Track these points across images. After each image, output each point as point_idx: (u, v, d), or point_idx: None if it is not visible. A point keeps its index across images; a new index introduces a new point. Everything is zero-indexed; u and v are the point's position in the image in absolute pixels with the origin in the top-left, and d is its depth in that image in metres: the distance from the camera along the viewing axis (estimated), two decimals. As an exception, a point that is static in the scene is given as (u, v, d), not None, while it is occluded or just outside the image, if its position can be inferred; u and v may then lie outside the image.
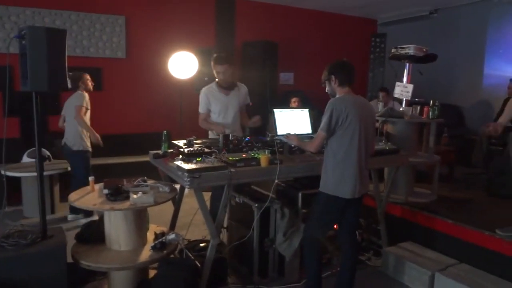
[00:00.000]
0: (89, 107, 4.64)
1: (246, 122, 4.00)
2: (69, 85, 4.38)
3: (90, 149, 4.71)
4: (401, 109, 4.57)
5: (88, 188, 3.17)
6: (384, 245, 3.80)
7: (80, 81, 4.63)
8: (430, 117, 4.31)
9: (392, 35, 8.48)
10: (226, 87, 3.83)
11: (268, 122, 5.81)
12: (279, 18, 7.74)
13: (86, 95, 4.63)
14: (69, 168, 4.87)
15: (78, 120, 4.51)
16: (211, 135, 3.93)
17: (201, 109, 3.87)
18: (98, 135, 4.67)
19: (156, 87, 6.52)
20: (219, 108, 3.82)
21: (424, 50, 4.50)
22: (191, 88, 6.25)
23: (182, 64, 5.93)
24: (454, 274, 3.21)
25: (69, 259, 2.83)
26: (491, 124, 3.46)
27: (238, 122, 3.92)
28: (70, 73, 4.49)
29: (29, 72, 2.53)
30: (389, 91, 5.97)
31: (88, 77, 4.73)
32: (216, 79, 3.84)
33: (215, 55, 3.83)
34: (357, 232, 3.33)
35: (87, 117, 4.65)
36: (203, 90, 3.88)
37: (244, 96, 3.96)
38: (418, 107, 4.43)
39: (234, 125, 3.85)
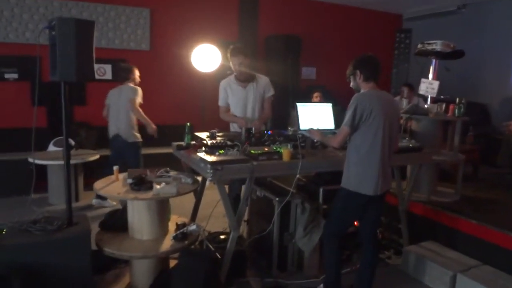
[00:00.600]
0: (141, 101, 4.66)
1: (264, 115, 3.88)
2: (108, 76, 4.46)
3: (141, 139, 4.79)
4: (426, 106, 4.50)
5: (113, 177, 3.23)
6: (405, 243, 3.76)
7: (130, 73, 4.69)
8: (456, 115, 4.23)
9: (418, 30, 8.32)
10: (244, 79, 3.78)
11: (290, 116, 5.79)
12: (303, 12, 7.68)
13: (139, 88, 4.66)
14: (93, 158, 4.99)
15: (136, 113, 4.59)
16: (232, 128, 3.92)
17: (220, 102, 3.88)
18: (155, 126, 4.71)
19: (179, 79, 6.57)
20: (236, 101, 3.80)
21: (452, 46, 4.41)
22: (214, 81, 6.24)
23: (205, 57, 5.96)
24: (476, 276, 3.15)
25: (93, 246, 2.89)
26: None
27: (258, 115, 3.85)
28: (121, 64, 4.64)
29: (58, 63, 2.58)
30: (413, 86, 5.87)
31: (137, 70, 4.78)
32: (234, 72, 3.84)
33: (231, 47, 3.80)
34: (378, 230, 3.31)
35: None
36: (222, 83, 3.89)
37: (264, 88, 3.83)
38: (444, 105, 4.34)
39: (253, 118, 3.80)
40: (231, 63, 3.77)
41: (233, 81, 3.83)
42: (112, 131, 4.76)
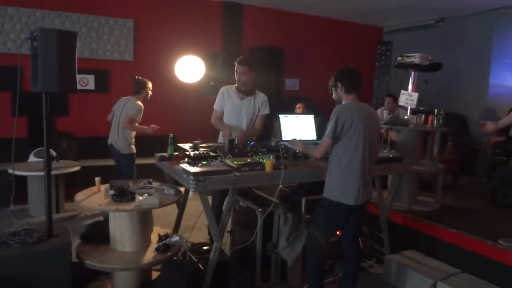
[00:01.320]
0: (139, 120, 4.72)
1: (252, 131, 3.90)
2: (134, 89, 4.78)
3: (135, 151, 4.83)
4: (405, 117, 4.59)
5: (94, 188, 3.21)
6: (387, 252, 3.81)
7: (141, 88, 4.77)
8: (435, 125, 4.33)
9: (398, 43, 8.51)
10: (243, 91, 3.81)
11: (273, 127, 5.83)
12: (286, 24, 7.78)
13: (142, 107, 4.72)
14: (74, 169, 5.00)
15: (125, 128, 4.64)
16: (221, 138, 3.91)
17: (215, 105, 3.90)
18: (150, 126, 4.73)
19: (162, 90, 6.53)
20: (231, 110, 3.83)
21: (430, 59, 4.53)
22: (197, 93, 6.29)
23: (189, 68, 5.97)
24: (456, 283, 3.21)
25: (74, 258, 2.85)
26: (488, 122, 3.47)
27: (247, 129, 3.86)
28: (138, 77, 4.79)
29: (40, 73, 2.56)
30: (396, 97, 5.99)
31: (150, 86, 4.86)
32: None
33: (241, 57, 3.86)
34: (359, 239, 3.35)
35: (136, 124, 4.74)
36: (222, 88, 3.92)
37: (260, 105, 3.87)
38: (423, 116, 4.45)
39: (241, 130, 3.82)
40: (235, 71, 3.77)
41: (233, 89, 3.86)
42: (109, 139, 4.82)
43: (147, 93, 4.83)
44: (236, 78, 3.78)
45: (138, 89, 4.78)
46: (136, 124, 4.70)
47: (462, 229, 3.64)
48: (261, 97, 3.91)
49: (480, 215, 4.31)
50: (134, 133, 4.80)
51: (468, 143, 6.59)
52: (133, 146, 4.80)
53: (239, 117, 3.83)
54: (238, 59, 3.79)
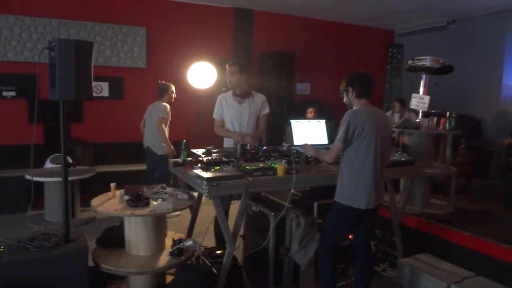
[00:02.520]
0: (170, 118, 5.13)
1: (257, 133, 3.91)
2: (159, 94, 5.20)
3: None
4: (417, 120, 4.58)
5: (110, 194, 3.27)
6: (400, 256, 3.80)
7: (164, 92, 5.17)
8: (447, 128, 4.31)
9: (409, 45, 8.48)
10: (240, 94, 3.82)
11: (285, 132, 5.86)
12: (296, 29, 7.82)
13: (168, 106, 5.11)
14: (89, 175, 5.13)
15: (159, 129, 5.00)
16: (225, 144, 3.93)
17: (215, 115, 3.93)
18: (172, 148, 5.03)
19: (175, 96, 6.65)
20: (231, 116, 3.83)
21: (441, 61, 4.52)
22: (209, 98, 6.34)
23: (201, 74, 6.05)
24: (470, 287, 3.19)
25: (90, 263, 2.92)
26: None
27: (252, 132, 3.87)
28: (161, 82, 5.19)
29: (58, 82, 2.64)
30: (404, 101, 5.97)
31: (174, 89, 5.25)
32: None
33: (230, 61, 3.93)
34: (372, 243, 3.35)
35: (167, 127, 5.13)
36: (219, 97, 3.94)
37: (260, 105, 3.88)
38: (435, 119, 4.43)
39: (247, 134, 3.80)
40: (226, 75, 3.84)
41: (230, 96, 3.88)
42: (145, 143, 5.23)
43: (171, 96, 5.20)
44: (228, 82, 3.83)
45: (161, 93, 5.19)
46: (165, 129, 5.03)
47: (475, 232, 3.63)
48: (259, 97, 3.91)
49: (494, 217, 4.28)
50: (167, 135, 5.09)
51: (482, 145, 6.53)
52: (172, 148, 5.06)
53: (241, 121, 3.82)
54: (228, 64, 3.86)
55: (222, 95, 3.94)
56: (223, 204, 3.68)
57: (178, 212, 4.42)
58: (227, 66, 3.84)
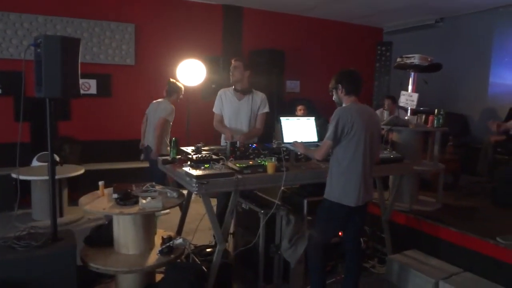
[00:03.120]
0: (171, 120, 4.97)
1: (253, 131, 3.90)
2: (165, 93, 5.07)
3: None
4: (406, 117, 4.62)
5: (98, 192, 3.24)
6: (389, 252, 3.83)
7: (173, 92, 5.06)
8: (435, 125, 4.35)
9: (398, 43, 8.53)
10: (240, 91, 3.83)
11: (275, 130, 5.87)
12: (286, 26, 7.81)
13: (173, 108, 4.97)
14: (77, 173, 5.04)
15: (157, 129, 4.84)
16: (223, 141, 3.90)
17: (215, 109, 3.93)
18: (158, 154, 4.73)
19: (164, 94, 6.60)
20: (230, 112, 3.85)
21: (429, 59, 4.55)
22: (199, 96, 6.33)
23: (190, 72, 6.01)
24: (458, 283, 3.23)
25: (78, 262, 2.88)
26: (497, 122, 3.45)
27: (249, 129, 3.87)
28: (171, 80, 5.09)
29: (44, 79, 2.60)
30: (395, 98, 6.01)
31: (182, 91, 5.14)
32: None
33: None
34: (361, 240, 3.37)
35: (168, 129, 4.99)
36: (220, 91, 3.95)
37: (259, 104, 3.88)
38: (423, 116, 4.47)
39: (243, 131, 3.82)
40: (230, 69, 3.84)
41: (231, 91, 3.89)
42: (145, 141, 5.07)
43: (178, 97, 5.10)
44: (230, 76, 3.82)
45: (170, 92, 5.06)
46: (161, 130, 4.87)
47: (463, 228, 3.67)
48: (259, 96, 3.92)
49: (481, 214, 4.33)
50: (167, 139, 4.96)
51: (469, 142, 6.60)
52: (167, 149, 4.89)
53: (239, 117, 3.84)
54: (236, 56, 3.86)
55: (223, 90, 3.95)
56: (221, 201, 3.69)
57: (167, 210, 4.39)
58: (232, 60, 3.85)
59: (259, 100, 3.89)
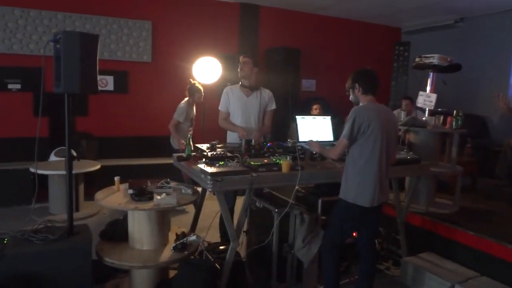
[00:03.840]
0: (182, 120, 5.20)
1: (263, 128, 3.90)
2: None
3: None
4: (424, 118, 4.55)
5: (114, 188, 3.27)
6: (404, 254, 3.78)
7: (190, 94, 5.30)
8: (453, 127, 4.28)
9: (416, 43, 8.41)
10: (248, 87, 3.82)
11: (290, 128, 5.85)
12: (302, 25, 7.78)
13: (184, 108, 5.21)
14: (94, 169, 5.13)
15: (169, 128, 5.18)
16: (229, 138, 3.91)
17: (221, 106, 3.91)
18: (182, 142, 4.95)
19: (180, 91, 6.60)
20: (237, 108, 3.82)
21: (449, 59, 4.47)
22: (214, 93, 6.33)
23: (206, 69, 6.02)
24: (474, 287, 3.17)
25: (93, 256, 2.91)
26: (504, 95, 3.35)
27: (258, 125, 3.86)
28: (191, 81, 5.35)
29: (63, 75, 2.63)
30: (413, 99, 5.93)
31: (199, 91, 5.34)
32: (241, 81, 3.87)
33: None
34: (376, 241, 3.33)
35: (182, 129, 5.23)
36: (226, 89, 3.93)
37: (267, 101, 3.88)
38: (441, 117, 4.40)
39: (253, 128, 3.81)
40: (239, 65, 3.84)
41: (237, 88, 3.88)
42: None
43: (198, 98, 5.32)
44: (239, 71, 3.82)
45: (189, 92, 5.31)
46: (174, 128, 5.17)
47: (480, 231, 3.60)
48: (266, 93, 3.92)
49: (499, 217, 4.25)
50: (188, 132, 5.14)
51: (488, 144, 6.48)
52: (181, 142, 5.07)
53: (247, 114, 3.81)
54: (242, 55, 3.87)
55: (229, 87, 3.94)
56: (228, 200, 3.69)
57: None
58: (240, 57, 3.85)
59: (267, 97, 3.90)
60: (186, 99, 5.29)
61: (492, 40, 7.08)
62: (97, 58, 2.81)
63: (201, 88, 5.34)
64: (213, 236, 3.82)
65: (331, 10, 7.59)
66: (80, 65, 2.65)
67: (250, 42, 7.27)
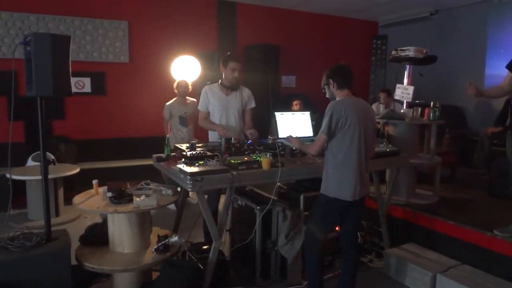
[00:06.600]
0: (166, 116, 5.44)
1: (245, 128, 3.87)
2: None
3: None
4: (402, 111, 4.60)
5: (92, 191, 3.21)
6: (386, 246, 3.82)
7: (177, 89, 5.46)
8: (431, 118, 4.33)
9: (393, 37, 8.49)
10: (229, 87, 3.78)
11: (270, 125, 5.84)
12: (280, 21, 7.77)
13: (166, 105, 5.45)
14: (72, 172, 5.02)
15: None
16: (211, 137, 3.89)
17: (200, 106, 3.86)
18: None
19: (159, 91, 6.56)
20: (217, 107, 3.78)
21: (424, 51, 4.52)
22: (194, 92, 6.29)
23: (185, 68, 5.98)
24: (455, 275, 3.22)
25: (73, 261, 2.86)
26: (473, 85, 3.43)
27: (241, 125, 3.85)
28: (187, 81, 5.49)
29: (34, 78, 2.57)
30: (390, 92, 5.99)
31: (176, 84, 5.48)
32: (221, 79, 3.81)
33: (228, 53, 3.87)
34: (359, 234, 3.36)
35: (175, 123, 5.43)
36: (204, 88, 3.87)
37: (247, 99, 3.87)
38: (419, 109, 4.45)
39: (236, 128, 3.80)
40: (228, 67, 3.71)
41: (217, 87, 3.83)
42: None
43: (180, 92, 5.45)
44: (229, 75, 3.72)
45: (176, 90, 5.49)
46: (164, 123, 5.45)
47: (460, 221, 3.66)
48: (246, 91, 3.89)
49: (478, 206, 4.32)
50: (188, 131, 5.39)
51: (466, 135, 6.59)
52: (173, 139, 5.20)
53: (227, 113, 3.78)
54: (230, 55, 3.79)
55: (208, 86, 3.89)
56: (212, 199, 3.67)
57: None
58: (228, 59, 3.74)
59: (246, 96, 3.87)
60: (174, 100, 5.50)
61: (467, 31, 7.20)
62: (70, 59, 2.75)
63: (186, 81, 5.48)
64: (196, 236, 3.79)
65: (309, 5, 7.60)
66: (52, 67, 2.59)
67: (228, 39, 7.24)
